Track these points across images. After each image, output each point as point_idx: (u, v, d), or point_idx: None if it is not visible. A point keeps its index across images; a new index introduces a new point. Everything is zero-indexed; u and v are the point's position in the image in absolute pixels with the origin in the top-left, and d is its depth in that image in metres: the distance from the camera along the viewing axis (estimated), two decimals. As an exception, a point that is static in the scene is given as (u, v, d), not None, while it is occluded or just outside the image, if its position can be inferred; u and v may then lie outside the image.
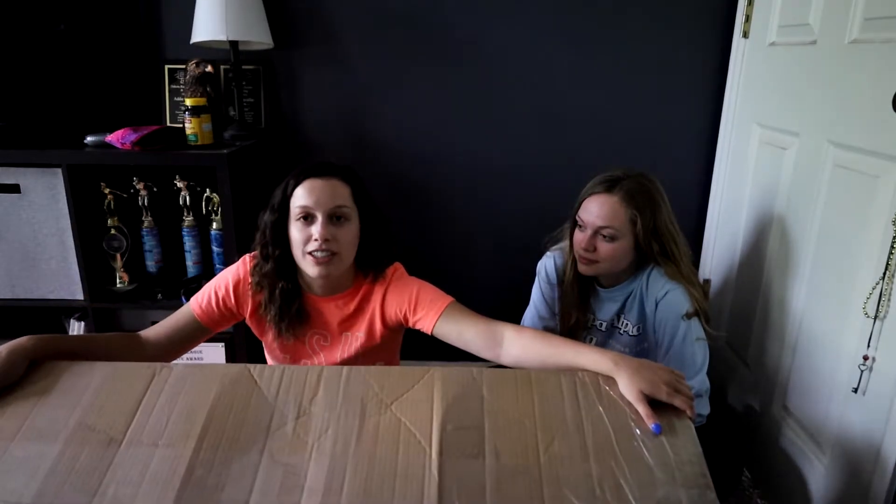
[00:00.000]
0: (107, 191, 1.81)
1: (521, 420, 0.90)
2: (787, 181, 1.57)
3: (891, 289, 1.18)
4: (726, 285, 1.93)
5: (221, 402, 0.93)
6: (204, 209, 1.88)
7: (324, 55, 2.00)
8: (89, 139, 1.74)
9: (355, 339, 1.27)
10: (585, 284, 1.52)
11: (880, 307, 1.20)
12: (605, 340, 1.55)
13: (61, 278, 1.84)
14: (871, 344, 1.23)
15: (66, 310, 1.94)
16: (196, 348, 1.86)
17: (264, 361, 1.36)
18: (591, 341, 1.55)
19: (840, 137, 1.35)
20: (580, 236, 1.42)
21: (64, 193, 1.73)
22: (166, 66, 1.99)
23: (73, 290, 1.85)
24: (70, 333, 1.92)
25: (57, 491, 0.80)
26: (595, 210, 1.39)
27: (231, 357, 1.89)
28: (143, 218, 1.89)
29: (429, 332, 1.19)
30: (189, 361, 1.77)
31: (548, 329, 1.58)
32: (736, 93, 1.88)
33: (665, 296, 1.39)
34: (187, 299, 1.25)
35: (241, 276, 1.25)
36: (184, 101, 1.84)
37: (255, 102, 2.02)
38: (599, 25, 1.94)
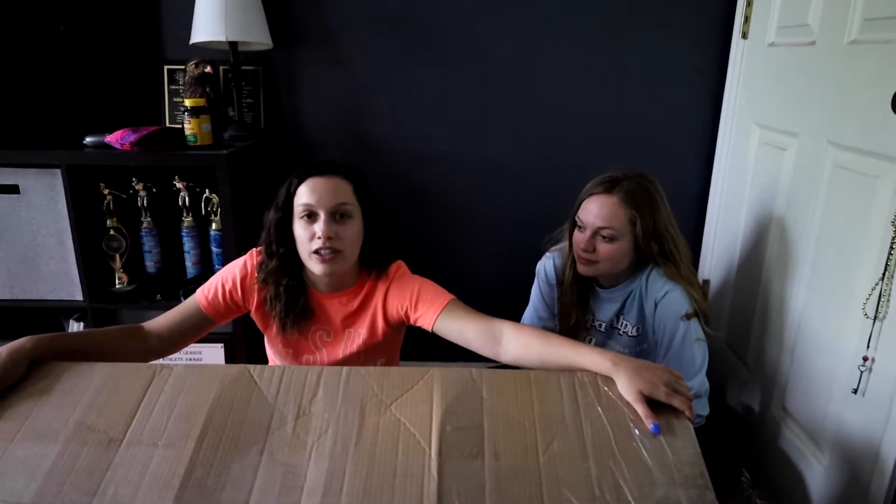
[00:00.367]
0: (106, 191, 1.81)
1: (520, 420, 0.90)
2: (786, 182, 1.57)
3: (890, 289, 1.18)
4: (725, 286, 1.93)
5: (221, 402, 0.93)
6: (203, 210, 1.88)
7: (323, 55, 2.00)
8: (88, 140, 1.74)
9: (357, 336, 1.28)
10: (585, 285, 1.52)
11: (880, 308, 1.20)
12: (604, 341, 1.55)
13: (60, 279, 1.84)
14: (870, 345, 1.23)
15: (65, 310, 1.94)
16: (195, 349, 1.88)
17: (264, 361, 1.36)
18: (590, 342, 1.55)
19: (839, 138, 1.35)
20: (580, 237, 1.42)
21: (63, 194, 1.73)
22: (166, 67, 1.99)
23: (73, 290, 1.85)
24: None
25: (57, 491, 0.80)
26: (594, 210, 1.39)
27: (230, 357, 1.89)
28: (143, 218, 1.89)
29: (429, 329, 1.19)
30: (188, 362, 1.78)
31: (547, 329, 1.58)
32: (735, 93, 1.88)
33: (664, 296, 1.39)
34: (181, 303, 1.26)
35: (249, 270, 1.26)
36: (183, 101, 1.84)
37: (254, 103, 2.02)
38: (599, 26, 1.94)
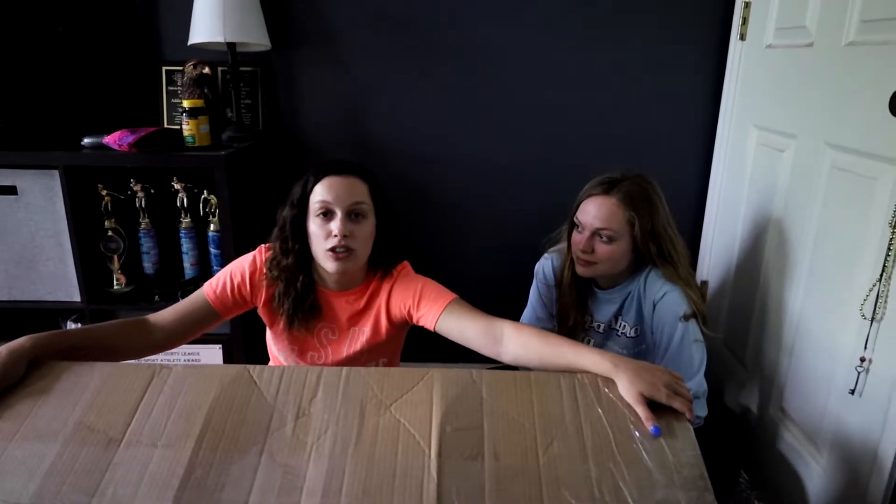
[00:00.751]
0: (104, 192, 1.81)
1: (520, 421, 0.90)
2: (784, 183, 1.58)
3: (888, 291, 1.18)
4: (724, 287, 1.93)
5: (221, 402, 0.93)
6: (201, 211, 1.87)
7: (322, 56, 2.00)
8: (86, 141, 1.74)
9: (361, 335, 1.29)
10: (583, 286, 1.52)
11: (877, 309, 1.20)
12: (602, 342, 1.55)
13: (58, 280, 1.83)
14: (867, 346, 1.24)
15: (63, 311, 1.93)
16: (193, 349, 1.88)
17: (263, 362, 1.36)
18: (588, 343, 1.56)
19: (837, 139, 1.36)
20: (578, 238, 1.42)
21: (61, 195, 1.73)
22: (164, 68, 1.99)
23: (70, 291, 1.84)
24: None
25: (56, 491, 0.80)
26: (593, 211, 1.39)
27: (228, 358, 1.88)
28: (141, 219, 1.88)
29: (431, 328, 1.20)
30: (187, 363, 1.77)
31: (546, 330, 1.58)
32: (733, 95, 1.89)
33: (663, 297, 1.39)
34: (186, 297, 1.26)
35: (258, 266, 1.27)
36: (181, 102, 1.84)
37: (252, 104, 2.02)
38: (597, 28, 1.95)
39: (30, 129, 1.77)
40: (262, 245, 1.29)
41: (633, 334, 1.49)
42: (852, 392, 1.28)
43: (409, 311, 1.23)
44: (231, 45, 1.81)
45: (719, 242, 1.99)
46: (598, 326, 1.54)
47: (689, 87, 1.99)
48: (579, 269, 1.45)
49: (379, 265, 1.28)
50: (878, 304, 1.20)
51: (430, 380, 0.97)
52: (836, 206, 1.37)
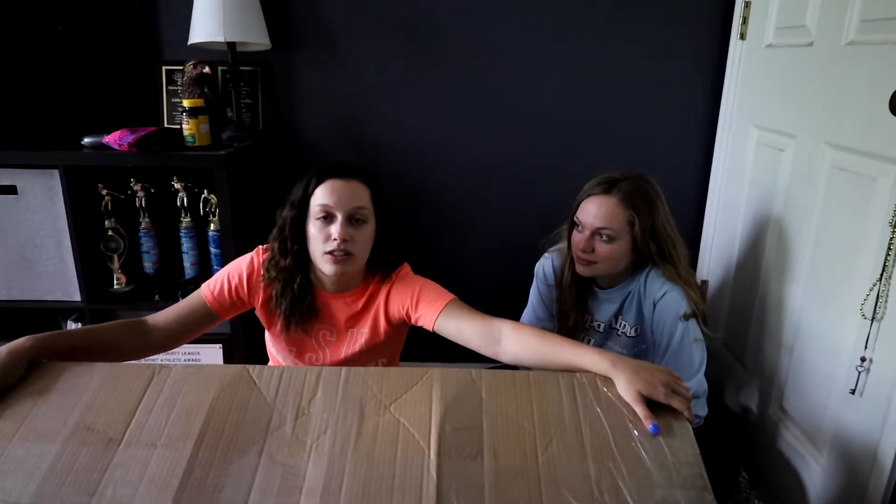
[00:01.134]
0: (104, 192, 1.81)
1: (519, 421, 0.90)
2: (784, 183, 1.58)
3: (888, 290, 1.18)
4: (724, 286, 1.93)
5: (220, 402, 0.93)
6: (201, 210, 1.87)
7: (322, 56, 2.00)
8: (86, 140, 1.74)
9: (360, 336, 1.28)
10: (583, 286, 1.52)
11: (877, 309, 1.20)
12: (602, 341, 1.55)
13: (58, 280, 1.83)
14: (868, 345, 1.23)
15: (63, 311, 1.94)
16: (193, 349, 1.88)
17: (262, 362, 1.36)
18: (588, 342, 1.56)
19: (837, 139, 1.36)
20: (578, 237, 1.42)
21: (61, 195, 1.73)
22: (164, 68, 1.99)
23: (71, 291, 1.84)
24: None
25: (55, 491, 0.80)
26: (593, 211, 1.39)
27: (228, 358, 1.88)
28: (141, 219, 1.89)
29: (430, 329, 1.20)
30: (186, 362, 1.77)
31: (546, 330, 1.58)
32: (733, 95, 1.89)
33: (663, 297, 1.39)
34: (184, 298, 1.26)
35: (255, 267, 1.26)
36: (181, 102, 1.83)
37: (252, 104, 2.02)
38: (597, 27, 1.95)
39: (30, 128, 1.77)
40: (260, 246, 1.29)
41: (633, 334, 1.49)
42: (852, 392, 1.28)
43: (407, 312, 1.23)
44: (231, 45, 1.81)
45: (719, 242, 1.99)
46: (599, 326, 1.54)
47: (689, 87, 1.99)
48: (579, 269, 1.45)
49: (378, 267, 1.27)
50: (879, 303, 1.20)
51: (430, 379, 0.97)
52: (836, 205, 1.37)
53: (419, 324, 1.22)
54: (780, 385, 1.58)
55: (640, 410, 0.90)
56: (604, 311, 1.52)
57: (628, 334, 1.49)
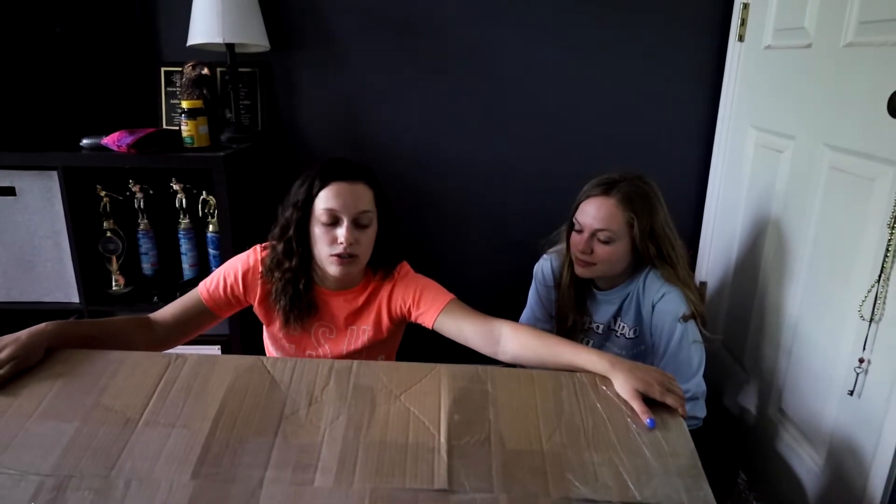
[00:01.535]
0: (102, 193, 1.80)
1: (524, 412, 0.94)
2: (782, 184, 1.58)
3: (886, 291, 1.18)
4: (722, 288, 1.93)
5: (236, 388, 0.97)
6: (200, 212, 1.87)
7: (321, 57, 2.00)
8: (85, 142, 1.73)
9: (362, 333, 1.30)
10: (582, 287, 1.52)
11: (876, 310, 1.20)
12: (601, 343, 1.55)
13: (57, 281, 1.83)
14: (866, 347, 1.24)
15: (61, 312, 1.93)
16: (191, 350, 1.87)
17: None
18: (587, 344, 1.56)
19: (836, 140, 1.36)
20: (577, 239, 1.42)
21: (59, 196, 1.73)
22: (162, 69, 1.99)
23: (69, 292, 1.84)
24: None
25: (75, 464, 0.82)
26: (592, 212, 1.39)
27: (227, 360, 1.88)
28: (139, 220, 1.88)
29: (430, 327, 1.22)
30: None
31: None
32: (732, 96, 1.89)
33: (662, 298, 1.39)
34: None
35: (251, 265, 1.27)
36: (180, 103, 1.83)
37: (251, 105, 2.02)
38: (596, 29, 1.95)
39: (28, 130, 1.77)
40: (258, 245, 1.29)
41: (632, 335, 1.49)
42: (851, 393, 1.28)
43: (408, 310, 1.25)
44: (230, 46, 1.81)
45: (718, 243, 1.99)
46: (597, 327, 1.54)
47: (687, 89, 1.99)
48: (578, 270, 1.45)
49: (379, 265, 1.28)
50: (877, 305, 1.20)
51: (438, 374, 1.02)
52: (834, 206, 1.37)
53: (419, 321, 1.25)
54: (778, 386, 1.58)
55: (637, 406, 0.94)
56: (602, 313, 1.52)
57: (627, 336, 1.49)
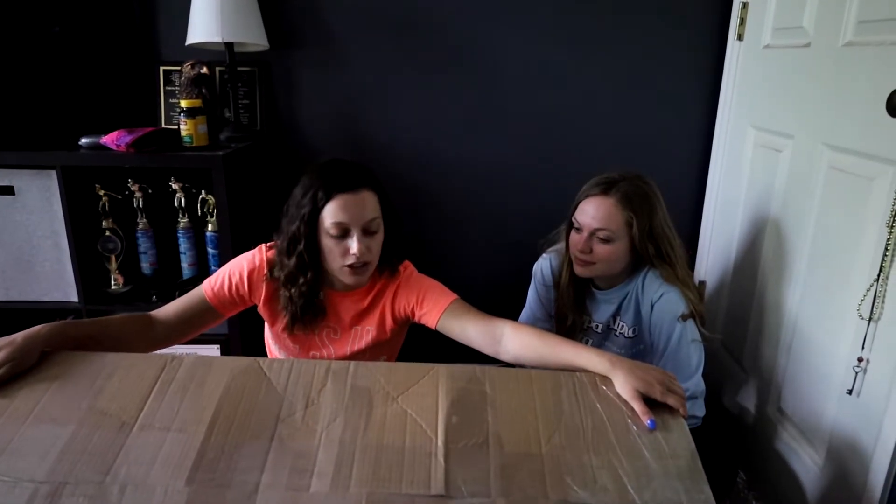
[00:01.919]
0: (101, 192, 1.80)
1: (523, 414, 0.93)
2: (781, 183, 1.58)
3: (885, 291, 1.18)
4: (721, 287, 1.94)
5: (231, 391, 0.96)
6: (199, 211, 1.87)
7: (320, 57, 2.00)
8: (84, 141, 1.73)
9: (366, 333, 1.30)
10: (581, 286, 1.52)
11: (874, 309, 1.20)
12: (600, 342, 1.55)
13: (56, 280, 1.83)
14: (865, 346, 1.24)
15: (60, 312, 1.93)
16: (191, 349, 1.87)
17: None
18: (586, 343, 1.56)
19: (834, 140, 1.36)
20: (576, 238, 1.42)
21: (58, 195, 1.73)
22: (161, 68, 1.98)
23: (68, 292, 1.84)
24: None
25: (70, 470, 0.81)
26: (591, 212, 1.39)
27: (226, 359, 1.88)
28: (138, 220, 1.88)
29: (433, 327, 1.23)
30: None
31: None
32: (731, 95, 1.89)
33: (661, 298, 1.39)
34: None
35: (257, 265, 1.26)
36: (179, 102, 1.83)
37: (250, 104, 2.01)
38: (595, 28, 1.95)
39: (27, 129, 1.77)
40: (264, 244, 1.29)
41: (631, 334, 1.49)
42: (850, 392, 1.28)
43: (412, 310, 1.26)
44: (229, 45, 1.80)
45: (717, 243, 1.99)
46: (597, 327, 1.54)
47: (686, 88, 1.99)
48: (577, 270, 1.45)
49: (384, 265, 1.28)
50: (876, 304, 1.20)
51: (436, 374, 1.01)
52: (833, 206, 1.37)
53: (422, 321, 1.25)
54: (777, 385, 1.58)
55: (637, 407, 0.93)
56: (602, 312, 1.52)
57: (626, 335, 1.49)
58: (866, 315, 1.22)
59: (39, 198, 1.75)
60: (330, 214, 1.16)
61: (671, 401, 0.94)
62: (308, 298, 1.23)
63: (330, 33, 1.98)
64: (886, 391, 1.19)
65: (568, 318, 1.53)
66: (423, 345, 1.46)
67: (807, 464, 1.44)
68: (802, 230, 1.47)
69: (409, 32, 1.97)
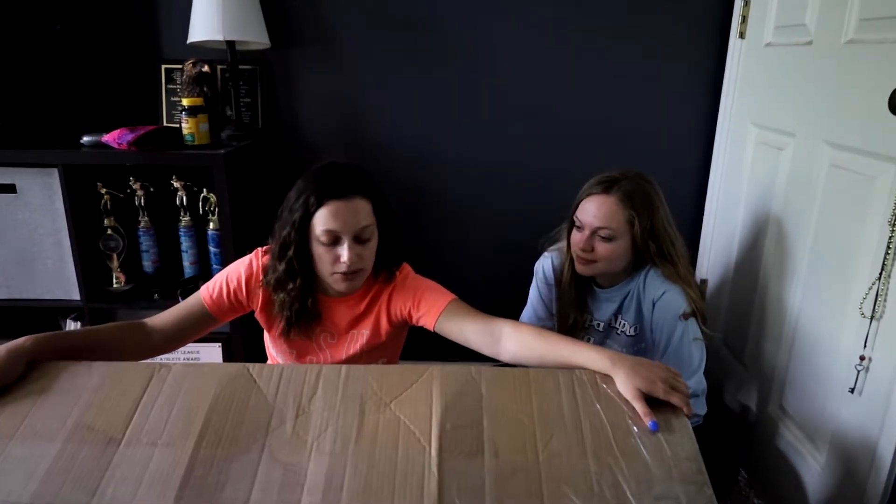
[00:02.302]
0: (103, 191, 1.81)
1: (519, 418, 0.90)
2: (783, 181, 1.58)
3: (887, 289, 1.18)
4: (723, 286, 1.93)
5: (220, 401, 0.93)
6: (201, 209, 1.87)
7: (321, 55, 2.00)
8: (86, 139, 1.74)
9: (361, 336, 1.28)
10: (583, 285, 1.52)
11: (877, 307, 1.20)
12: (602, 341, 1.55)
13: (57, 278, 1.83)
14: (867, 344, 1.23)
15: (62, 310, 1.93)
16: (193, 348, 1.88)
17: (262, 360, 1.36)
18: (588, 341, 1.55)
19: (836, 138, 1.36)
20: (578, 237, 1.42)
21: (60, 193, 1.73)
22: (163, 66, 1.99)
23: (70, 290, 1.84)
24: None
25: (56, 491, 0.80)
26: (593, 211, 1.39)
27: (228, 357, 1.88)
28: (140, 218, 1.89)
29: (431, 329, 1.21)
30: (186, 361, 1.77)
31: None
32: (732, 93, 1.89)
33: (662, 296, 1.39)
34: (184, 299, 1.26)
35: (254, 271, 1.25)
36: (180, 100, 1.83)
37: (252, 102, 2.02)
38: (596, 26, 1.95)
39: (29, 127, 1.77)
40: (259, 249, 1.27)
41: (632, 333, 1.49)
42: (852, 390, 1.28)
43: (409, 312, 1.24)
44: (230, 44, 1.80)
45: (718, 241, 1.99)
46: (598, 325, 1.54)
47: (688, 86, 1.99)
48: (579, 268, 1.45)
49: (380, 269, 1.26)
50: (878, 302, 1.20)
51: (430, 377, 0.98)
52: (835, 204, 1.37)
53: (420, 324, 1.23)
54: (779, 384, 1.58)
55: (639, 407, 0.91)
56: (603, 311, 1.52)
57: (628, 333, 1.49)
58: (868, 313, 1.22)
59: (41, 196, 1.75)
60: (321, 221, 1.14)
61: (674, 399, 0.91)
62: (300, 304, 1.22)
63: (331, 32, 1.98)
64: (888, 389, 1.19)
65: (569, 316, 1.53)
66: (423, 344, 1.46)
67: (808, 462, 1.44)
68: (804, 228, 1.47)
69: (411, 32, 1.97)
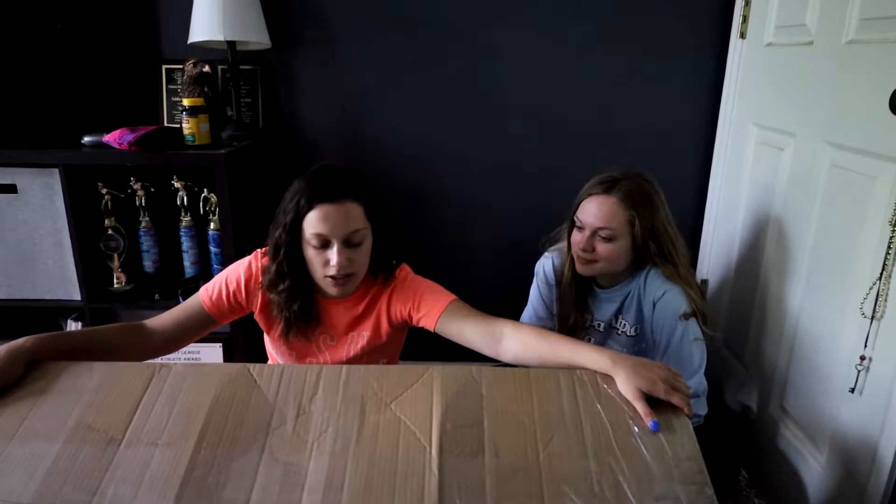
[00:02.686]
0: (104, 191, 1.81)
1: (519, 418, 0.90)
2: (783, 182, 1.58)
3: (888, 289, 1.18)
4: (724, 286, 1.93)
5: (221, 401, 0.93)
6: (201, 209, 1.87)
7: (322, 55, 2.00)
8: (86, 139, 1.74)
9: (361, 338, 1.28)
10: (583, 285, 1.52)
11: (877, 307, 1.20)
12: (603, 341, 1.55)
13: (58, 278, 1.83)
14: (867, 344, 1.23)
15: (62, 310, 1.94)
16: (193, 348, 1.88)
17: (263, 361, 1.36)
18: (589, 342, 1.55)
19: (837, 138, 1.36)
20: (578, 237, 1.42)
21: (61, 193, 1.73)
22: (164, 66, 1.99)
23: (70, 290, 1.84)
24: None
25: (57, 491, 0.80)
26: (593, 211, 1.39)
27: (228, 357, 1.88)
28: (141, 218, 1.89)
29: (431, 330, 1.20)
30: (187, 361, 1.77)
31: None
32: (733, 93, 1.89)
33: (663, 296, 1.39)
34: (185, 300, 1.26)
35: (254, 273, 1.25)
36: (181, 101, 1.84)
37: (252, 103, 2.02)
38: (597, 26, 1.95)
39: (29, 127, 1.77)
40: (258, 250, 1.27)
41: (633, 333, 1.49)
42: (852, 390, 1.28)
43: (409, 314, 1.23)
44: (231, 44, 1.81)
45: (719, 241, 1.99)
46: (599, 325, 1.54)
47: (688, 86, 1.99)
48: (579, 268, 1.45)
49: (378, 271, 1.26)
50: (878, 302, 1.20)
51: (430, 377, 0.97)
52: (835, 204, 1.37)
53: (420, 325, 1.23)
54: (779, 384, 1.58)
55: (640, 407, 0.90)
56: (604, 311, 1.52)
57: (628, 333, 1.49)
58: (869, 313, 1.22)
59: (42, 196, 1.75)
60: (311, 224, 1.14)
61: (675, 399, 0.91)
62: (295, 305, 1.22)
63: (332, 32, 1.98)
64: (889, 389, 1.19)
65: (570, 316, 1.53)
66: (423, 344, 1.46)
67: (809, 462, 1.44)
68: (804, 228, 1.47)
69: (411, 31, 1.97)
